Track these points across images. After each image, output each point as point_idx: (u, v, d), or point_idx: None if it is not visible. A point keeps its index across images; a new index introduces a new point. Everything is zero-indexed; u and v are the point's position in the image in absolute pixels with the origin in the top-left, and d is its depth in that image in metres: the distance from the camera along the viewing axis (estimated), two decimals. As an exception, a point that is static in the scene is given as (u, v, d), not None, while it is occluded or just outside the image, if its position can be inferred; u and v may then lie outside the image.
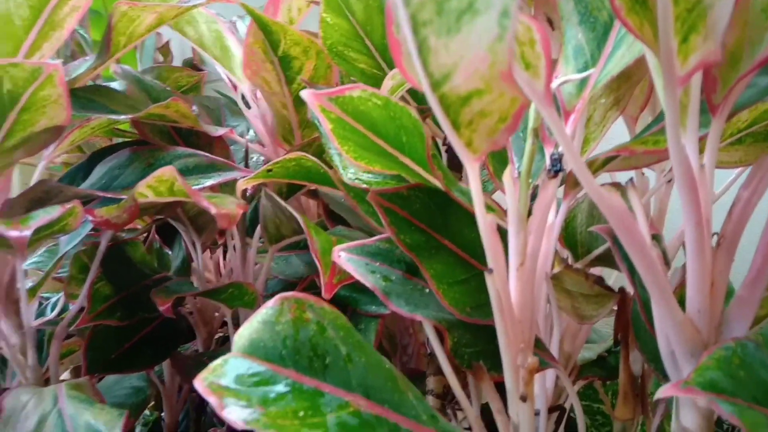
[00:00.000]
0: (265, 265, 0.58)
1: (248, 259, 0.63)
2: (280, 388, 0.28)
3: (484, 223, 0.28)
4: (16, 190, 0.56)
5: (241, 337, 0.30)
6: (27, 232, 0.35)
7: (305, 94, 0.29)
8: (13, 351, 0.57)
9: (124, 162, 0.54)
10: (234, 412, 0.26)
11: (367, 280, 0.34)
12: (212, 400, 0.27)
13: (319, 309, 0.31)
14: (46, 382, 0.58)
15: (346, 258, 0.35)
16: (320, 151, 0.54)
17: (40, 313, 0.73)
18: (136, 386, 0.57)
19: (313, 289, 0.50)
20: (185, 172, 0.53)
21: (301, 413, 0.27)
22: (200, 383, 0.28)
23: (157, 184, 0.42)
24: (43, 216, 0.37)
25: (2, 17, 0.48)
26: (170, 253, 0.73)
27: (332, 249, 0.37)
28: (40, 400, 0.46)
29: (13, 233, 0.34)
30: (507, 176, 0.31)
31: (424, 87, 0.21)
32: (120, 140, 0.71)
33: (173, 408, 0.75)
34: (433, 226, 0.35)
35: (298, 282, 0.62)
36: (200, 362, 0.64)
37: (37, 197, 0.49)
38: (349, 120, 0.31)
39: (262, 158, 0.72)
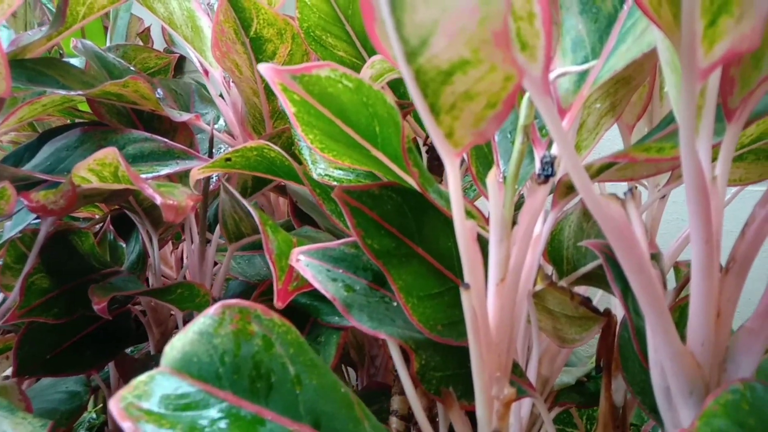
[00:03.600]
0: (224, 264, 0.54)
1: (207, 258, 0.58)
2: (213, 413, 0.24)
3: (463, 228, 0.24)
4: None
5: (173, 348, 0.26)
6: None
7: (263, 68, 0.25)
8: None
9: (74, 143, 0.49)
10: (151, 442, 0.22)
11: (327, 289, 0.30)
12: (127, 426, 0.23)
13: (267, 321, 0.27)
14: (-25, 381, 0.52)
15: (305, 262, 0.31)
16: (290, 143, 0.50)
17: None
18: (72, 391, 0.52)
19: (272, 294, 0.46)
20: (140, 157, 0.49)
21: (236, 444, 0.23)
22: (116, 404, 0.24)
23: (100, 168, 0.37)
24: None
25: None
26: (125, 246, 0.68)
27: (291, 251, 0.33)
28: (-46, 403, 0.40)
29: None
30: (492, 178, 0.27)
31: (399, 60, 0.17)
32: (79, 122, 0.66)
33: (120, 413, 0.69)
34: (405, 231, 0.31)
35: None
36: (148, 366, 0.59)
37: (-31, 176, 0.44)
38: (314, 103, 0.27)
39: (230, 149, 0.68)
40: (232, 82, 0.62)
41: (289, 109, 0.28)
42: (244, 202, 0.37)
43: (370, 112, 0.27)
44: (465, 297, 0.25)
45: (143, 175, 0.46)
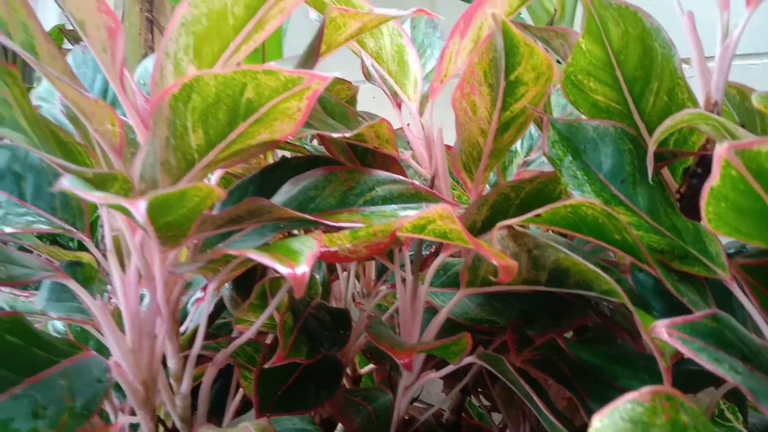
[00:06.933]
0: (448, 306, 0.53)
1: (419, 296, 0.57)
2: None
3: None
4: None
5: (605, 436, 0.25)
6: (305, 269, 0.30)
7: (725, 147, 0.24)
8: (164, 376, 0.52)
9: (321, 182, 0.49)
10: None
11: (724, 373, 0.28)
12: None
13: (690, 409, 0.26)
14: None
15: (680, 339, 0.29)
16: (539, 191, 0.49)
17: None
18: (303, 429, 0.51)
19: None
20: (389, 200, 0.48)
21: None
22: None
23: (425, 223, 0.36)
24: (308, 252, 0.32)
25: (218, 13, 0.44)
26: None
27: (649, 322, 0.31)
28: (233, 446, 0.41)
29: (294, 270, 0.29)
30: None
31: None
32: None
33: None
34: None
35: (469, 325, 0.56)
36: (355, 403, 0.59)
37: (237, 215, 0.44)
38: (749, 179, 0.25)
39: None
40: (424, 117, 0.62)
41: (714, 181, 0.26)
42: (579, 257, 0.36)
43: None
44: None
45: (390, 219, 0.45)
